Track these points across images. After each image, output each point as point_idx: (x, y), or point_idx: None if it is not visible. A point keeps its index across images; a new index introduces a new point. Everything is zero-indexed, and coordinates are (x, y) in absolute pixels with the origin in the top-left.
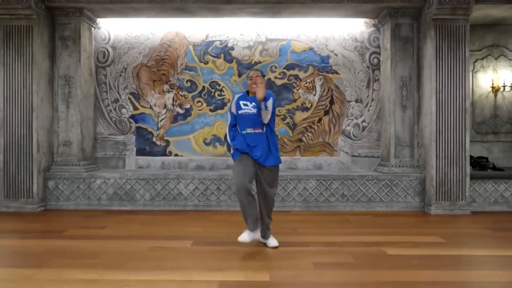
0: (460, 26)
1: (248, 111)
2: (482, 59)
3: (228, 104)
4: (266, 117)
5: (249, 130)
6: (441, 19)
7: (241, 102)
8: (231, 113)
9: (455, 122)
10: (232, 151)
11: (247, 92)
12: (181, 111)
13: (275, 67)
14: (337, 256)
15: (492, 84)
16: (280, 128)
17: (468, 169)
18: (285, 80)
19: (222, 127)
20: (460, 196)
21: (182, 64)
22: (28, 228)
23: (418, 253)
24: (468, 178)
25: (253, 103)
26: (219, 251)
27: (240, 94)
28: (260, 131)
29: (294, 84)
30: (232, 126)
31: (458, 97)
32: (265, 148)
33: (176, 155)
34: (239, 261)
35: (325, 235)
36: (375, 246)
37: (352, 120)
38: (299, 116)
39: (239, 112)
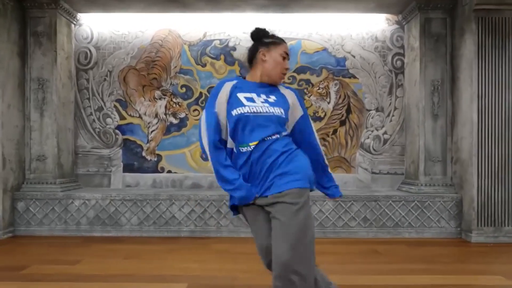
0: (507, 19)
1: (259, 109)
2: None
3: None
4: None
5: (252, 144)
6: (485, 10)
7: (240, 96)
8: (213, 117)
9: (500, 133)
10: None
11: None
12: (175, 121)
13: None
14: None
15: None
16: None
17: None
18: (295, 86)
19: None
20: (507, 221)
21: (176, 66)
22: None
23: None
24: None
25: (271, 95)
26: None
27: (234, 82)
28: (277, 137)
29: (305, 90)
30: (216, 142)
31: (505, 103)
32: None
33: (169, 171)
34: None
35: (357, 274)
36: None
37: (372, 131)
38: None
39: (237, 112)
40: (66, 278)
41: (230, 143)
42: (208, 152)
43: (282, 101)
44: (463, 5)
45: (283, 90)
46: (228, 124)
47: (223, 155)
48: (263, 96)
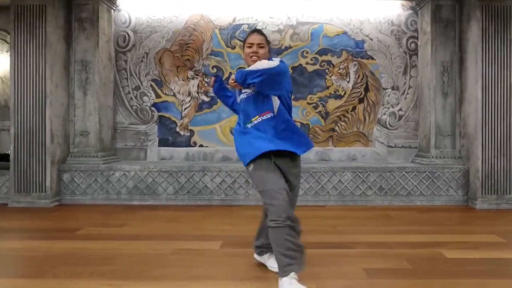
0: (509, 7)
1: (249, 93)
2: None
3: None
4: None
5: (254, 120)
6: None
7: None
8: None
9: (502, 110)
10: (242, 149)
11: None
12: (206, 99)
13: (307, 52)
14: (390, 261)
15: None
16: (311, 117)
17: None
18: (317, 66)
19: None
20: (508, 189)
21: (207, 49)
22: (38, 227)
23: (480, 256)
24: None
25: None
26: (252, 255)
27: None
28: (271, 115)
29: (326, 71)
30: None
31: (506, 83)
32: (292, 133)
33: (201, 145)
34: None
35: (368, 234)
36: (430, 248)
37: (388, 108)
38: (332, 104)
39: (239, 98)
40: (116, 238)
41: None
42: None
43: None
44: None
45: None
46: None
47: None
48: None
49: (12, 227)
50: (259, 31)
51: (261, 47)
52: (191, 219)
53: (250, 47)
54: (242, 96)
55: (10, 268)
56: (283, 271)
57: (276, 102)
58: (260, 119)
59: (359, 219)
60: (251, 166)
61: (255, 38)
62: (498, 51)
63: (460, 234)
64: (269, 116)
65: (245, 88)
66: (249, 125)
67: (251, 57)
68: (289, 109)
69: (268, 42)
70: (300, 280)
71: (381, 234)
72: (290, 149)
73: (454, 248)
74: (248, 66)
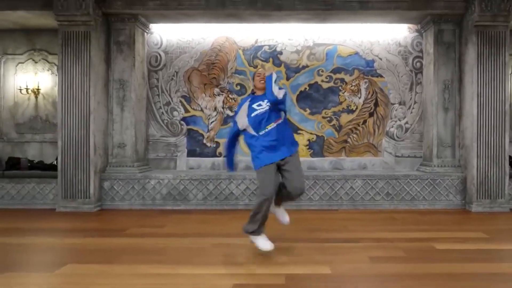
0: (501, 32)
1: (263, 109)
2: None
3: None
4: (280, 93)
5: (269, 127)
6: (482, 25)
7: (253, 106)
8: (235, 122)
9: (495, 124)
10: (253, 159)
11: (253, 93)
12: (230, 114)
13: (322, 71)
14: (389, 251)
15: None
16: (326, 129)
17: (508, 168)
18: (331, 84)
19: None
20: (500, 194)
21: (232, 68)
22: (89, 227)
23: (465, 248)
24: (507, 177)
25: (265, 100)
26: (281, 248)
27: (249, 99)
28: (281, 120)
29: (340, 87)
30: (233, 134)
31: (498, 100)
32: (288, 137)
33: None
34: (301, 256)
35: (374, 232)
36: (424, 242)
37: (396, 122)
38: (345, 118)
39: (253, 115)
40: (160, 235)
41: (252, 132)
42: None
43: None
44: (467, 20)
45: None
46: (250, 123)
47: (245, 139)
48: (266, 100)
49: (66, 227)
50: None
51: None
52: (221, 221)
53: (258, 76)
54: (256, 112)
55: (81, 257)
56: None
57: (278, 111)
58: (275, 125)
59: (367, 220)
60: (257, 171)
61: (261, 71)
62: (492, 72)
63: (452, 232)
64: (280, 122)
65: (259, 106)
66: (261, 132)
67: (259, 81)
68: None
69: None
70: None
71: (385, 232)
72: (286, 155)
73: (445, 242)
74: (256, 89)
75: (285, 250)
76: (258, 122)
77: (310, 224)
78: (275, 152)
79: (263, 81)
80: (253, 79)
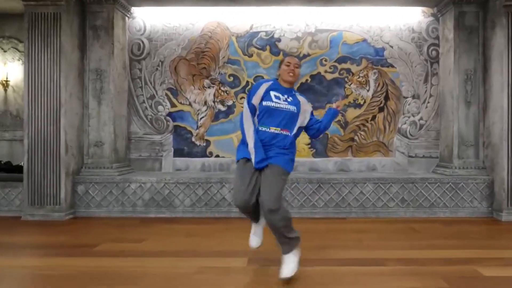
0: None
1: (281, 105)
2: None
3: None
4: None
5: (273, 130)
6: None
7: (272, 93)
8: (250, 105)
9: None
10: (237, 149)
11: (276, 80)
12: (222, 108)
13: (325, 60)
14: (426, 280)
15: None
16: (331, 126)
17: None
18: (336, 74)
19: None
20: None
21: (224, 57)
22: (54, 242)
23: None
24: None
25: (290, 97)
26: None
27: (269, 83)
28: (288, 134)
29: (346, 79)
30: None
31: None
32: (282, 149)
33: (217, 156)
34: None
35: (397, 249)
36: (465, 264)
37: (409, 117)
38: (351, 113)
39: (266, 103)
40: (137, 254)
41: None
42: (245, 117)
43: (295, 103)
44: (494, 0)
45: (298, 96)
46: (258, 110)
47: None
48: (290, 98)
49: (26, 242)
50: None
51: (296, 67)
52: (211, 233)
53: (288, 65)
54: (271, 104)
55: None
56: None
57: (296, 126)
58: (279, 132)
59: (383, 232)
60: (236, 165)
61: (292, 59)
62: None
63: (492, 249)
64: (286, 133)
65: (277, 99)
66: (262, 128)
67: (288, 73)
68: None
69: (300, 66)
70: None
71: (410, 249)
72: (270, 161)
73: (490, 265)
74: (282, 80)
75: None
76: (267, 115)
77: (316, 238)
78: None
79: (292, 75)
80: (279, 66)
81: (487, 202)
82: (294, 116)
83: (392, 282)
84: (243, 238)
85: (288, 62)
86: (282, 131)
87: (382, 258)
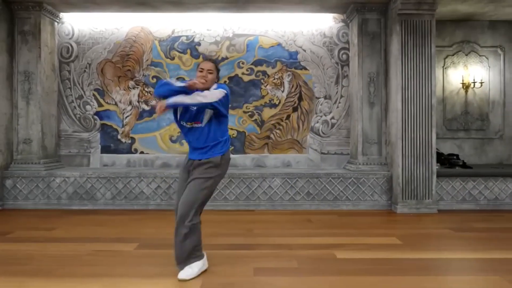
0: (426, 21)
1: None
2: (453, 55)
3: None
4: (206, 98)
5: (186, 124)
6: (406, 14)
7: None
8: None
9: (421, 119)
10: None
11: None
12: (146, 108)
13: (243, 63)
14: (281, 261)
15: (463, 81)
16: (247, 125)
17: (435, 167)
18: (252, 76)
19: None
20: (427, 195)
21: (147, 60)
22: None
23: (368, 257)
24: (434, 176)
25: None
26: (161, 255)
27: (182, 84)
28: (200, 125)
29: (262, 80)
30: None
31: (424, 94)
32: (203, 142)
33: (142, 152)
34: (174, 267)
35: (277, 237)
36: (325, 249)
37: (321, 117)
38: (267, 112)
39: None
40: (44, 240)
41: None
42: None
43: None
44: (391, 8)
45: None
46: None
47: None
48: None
49: None
50: (211, 60)
51: (210, 73)
52: (120, 223)
53: (201, 71)
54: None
55: None
56: None
57: (207, 115)
58: (191, 126)
59: (280, 222)
60: None
61: (205, 64)
62: (417, 63)
63: (363, 237)
64: (197, 126)
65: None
66: (183, 124)
67: (200, 79)
68: (219, 122)
69: (217, 69)
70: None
71: (288, 236)
72: (194, 157)
73: (348, 249)
74: (199, 86)
75: (163, 259)
76: (181, 111)
77: (212, 227)
78: (190, 152)
79: (204, 81)
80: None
81: (386, 195)
82: (194, 110)
83: (248, 263)
84: (145, 227)
85: (201, 68)
86: (193, 125)
87: (257, 244)
